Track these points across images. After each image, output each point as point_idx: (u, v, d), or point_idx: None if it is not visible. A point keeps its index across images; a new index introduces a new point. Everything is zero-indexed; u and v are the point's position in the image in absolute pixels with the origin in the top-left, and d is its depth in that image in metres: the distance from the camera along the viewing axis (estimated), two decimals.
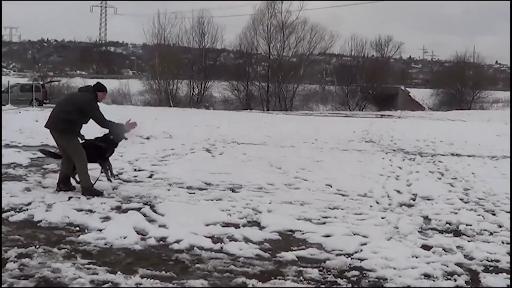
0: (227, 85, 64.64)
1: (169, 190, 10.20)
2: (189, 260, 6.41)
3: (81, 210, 8.36)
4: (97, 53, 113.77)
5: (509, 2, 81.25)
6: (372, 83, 70.89)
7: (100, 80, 10.70)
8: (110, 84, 9.76)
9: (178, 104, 58.23)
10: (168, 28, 63.19)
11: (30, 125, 20.05)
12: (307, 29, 67.33)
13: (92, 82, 10.85)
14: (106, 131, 10.04)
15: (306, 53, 68.97)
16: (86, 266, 6.00)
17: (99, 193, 9.46)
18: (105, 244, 6.81)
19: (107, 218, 8.02)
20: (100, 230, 7.31)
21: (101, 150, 10.06)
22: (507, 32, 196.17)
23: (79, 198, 9.16)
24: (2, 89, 44.52)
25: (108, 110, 10.86)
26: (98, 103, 9.68)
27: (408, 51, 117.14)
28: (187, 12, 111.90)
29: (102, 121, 9.48)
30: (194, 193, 10.06)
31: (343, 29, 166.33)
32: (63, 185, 9.67)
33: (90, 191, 9.43)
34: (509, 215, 9.22)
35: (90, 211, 8.38)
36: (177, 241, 6.99)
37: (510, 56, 71.06)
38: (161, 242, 7.04)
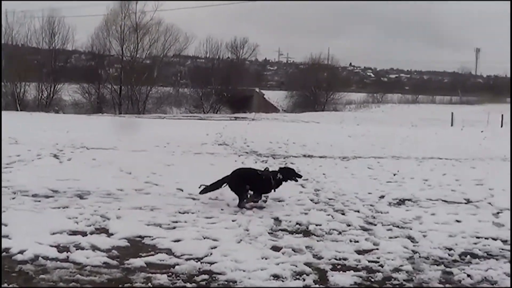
0: (77, 87, 63.11)
1: (13, 198, 9.79)
2: (34, 270, 6.23)
3: None
4: None
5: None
6: (227, 85, 71.53)
7: None
8: None
9: (26, 108, 55.99)
10: (16, 27, 60.89)
11: None
12: (162, 30, 67.03)
13: None
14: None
15: (160, 55, 68.75)
16: None
17: None
18: None
19: None
20: None
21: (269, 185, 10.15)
22: (360, 35, 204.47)
23: None
24: None
25: None
26: None
27: (264, 53, 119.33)
28: (37, 11, 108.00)
29: None
30: (40, 201, 9.73)
31: (198, 31, 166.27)
32: None
33: None
34: (357, 214, 9.64)
35: None
36: (21, 252, 6.76)
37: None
38: (4, 253, 6.78)
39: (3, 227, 7.85)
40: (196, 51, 77.09)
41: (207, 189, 10.24)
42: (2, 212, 8.63)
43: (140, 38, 65.92)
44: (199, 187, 10.19)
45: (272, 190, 10.24)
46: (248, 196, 10.10)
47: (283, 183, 10.38)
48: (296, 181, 10.70)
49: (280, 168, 10.88)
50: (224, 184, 10.16)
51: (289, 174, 10.52)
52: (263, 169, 10.56)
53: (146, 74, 64.84)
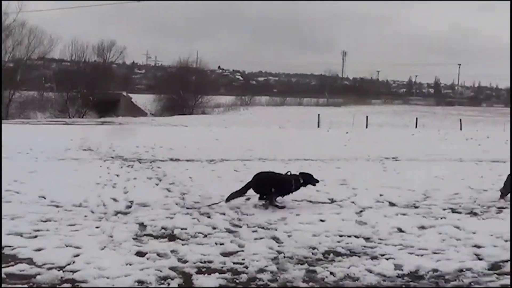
0: None
1: None
2: None
3: None
4: None
5: None
6: (94, 89, 70.35)
7: None
8: None
9: None
10: None
11: None
12: (26, 32, 65.23)
13: None
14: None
15: (24, 58, 66.64)
16: None
17: None
18: None
19: None
20: None
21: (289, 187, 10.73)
22: (226, 37, 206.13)
23: None
24: None
25: None
26: None
27: (132, 56, 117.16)
28: None
29: None
30: None
31: (64, 33, 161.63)
32: None
33: None
34: (223, 216, 9.73)
35: None
36: None
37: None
38: None
39: None
40: (62, 54, 75.53)
41: (234, 195, 10.61)
42: None
43: (2, 40, 63.63)
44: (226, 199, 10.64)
45: (291, 192, 10.85)
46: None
47: (302, 187, 10.96)
48: (314, 185, 11.15)
49: (300, 172, 11.26)
50: (249, 189, 10.70)
51: (310, 179, 11.03)
52: (284, 173, 10.98)
53: (9, 78, 62.57)
